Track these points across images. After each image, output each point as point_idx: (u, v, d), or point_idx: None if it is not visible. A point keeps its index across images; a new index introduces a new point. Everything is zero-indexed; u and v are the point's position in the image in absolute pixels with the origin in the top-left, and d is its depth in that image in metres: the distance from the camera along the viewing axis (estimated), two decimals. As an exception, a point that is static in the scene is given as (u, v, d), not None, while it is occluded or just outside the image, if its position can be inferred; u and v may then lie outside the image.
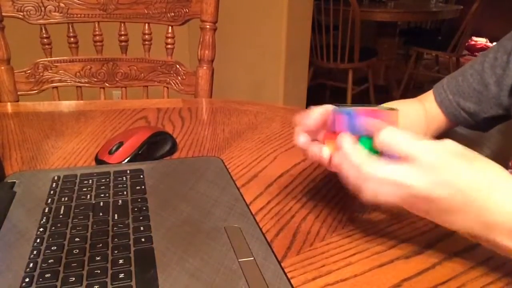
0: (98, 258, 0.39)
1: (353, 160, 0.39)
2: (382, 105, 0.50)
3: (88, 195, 0.49)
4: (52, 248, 0.40)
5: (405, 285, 0.39)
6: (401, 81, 3.61)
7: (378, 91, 3.46)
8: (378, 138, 0.39)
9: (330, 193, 0.54)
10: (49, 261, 0.38)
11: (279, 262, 0.40)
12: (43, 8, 0.93)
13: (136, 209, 0.47)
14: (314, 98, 2.86)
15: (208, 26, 0.98)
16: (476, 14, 3.06)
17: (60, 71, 0.98)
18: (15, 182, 0.52)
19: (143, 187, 0.52)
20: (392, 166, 0.37)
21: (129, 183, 0.52)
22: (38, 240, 0.41)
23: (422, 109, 0.70)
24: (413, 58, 3.59)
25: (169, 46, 1.02)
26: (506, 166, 0.65)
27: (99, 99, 1.01)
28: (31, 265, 0.38)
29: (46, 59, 0.97)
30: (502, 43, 0.63)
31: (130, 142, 0.60)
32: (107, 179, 0.53)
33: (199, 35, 0.99)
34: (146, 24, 1.01)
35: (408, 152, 0.36)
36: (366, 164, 0.38)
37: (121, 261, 0.38)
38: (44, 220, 0.44)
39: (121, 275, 0.37)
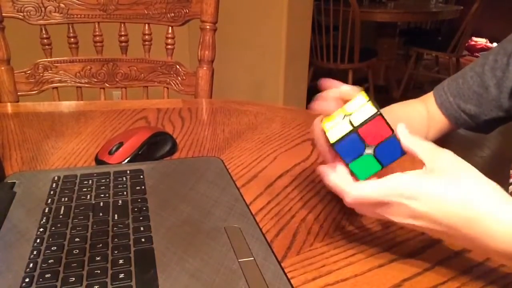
0: (98, 258, 0.39)
1: (337, 187, 0.40)
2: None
3: (88, 195, 0.49)
4: (52, 248, 0.40)
5: (405, 285, 0.39)
6: (401, 81, 3.61)
7: (378, 92, 3.46)
8: (348, 202, 0.39)
9: (330, 194, 0.54)
10: (49, 261, 0.38)
11: (279, 262, 0.40)
12: (43, 9, 0.93)
13: (136, 209, 0.47)
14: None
15: (208, 27, 0.98)
16: (476, 15, 3.06)
17: (60, 72, 0.98)
18: (15, 182, 0.52)
19: (143, 187, 0.52)
20: (376, 206, 0.38)
21: (129, 183, 0.52)
22: (38, 240, 0.41)
23: (425, 110, 0.70)
24: (413, 58, 3.59)
25: (169, 46, 1.02)
26: (506, 167, 0.65)
27: (99, 99, 1.01)
28: (31, 265, 0.38)
29: (46, 59, 0.97)
30: (503, 45, 0.63)
31: (130, 142, 0.60)
32: (107, 180, 0.53)
33: (199, 35, 0.99)
34: (146, 25, 1.01)
35: (378, 200, 0.37)
36: (347, 193, 0.39)
37: (121, 261, 0.38)
38: (44, 220, 0.44)
39: (121, 275, 0.37)
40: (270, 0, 2.20)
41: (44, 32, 0.96)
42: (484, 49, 4.95)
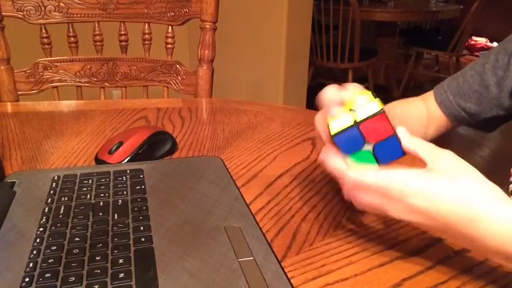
0: (98, 258, 0.39)
1: (335, 171, 0.40)
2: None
3: (88, 195, 0.49)
4: (52, 247, 0.40)
5: (405, 285, 0.39)
6: (401, 80, 3.61)
7: (378, 91, 3.45)
8: (350, 182, 0.39)
9: (330, 193, 0.54)
10: (49, 261, 0.38)
11: (279, 262, 0.40)
12: (43, 8, 0.93)
13: (136, 209, 0.47)
14: (314, 98, 2.86)
15: (208, 26, 0.98)
16: (476, 14, 3.06)
17: (60, 71, 0.98)
18: (15, 181, 0.52)
19: (143, 186, 0.52)
20: (375, 194, 0.38)
21: (129, 183, 0.52)
22: (38, 240, 0.41)
23: (425, 109, 0.70)
24: (413, 57, 3.59)
25: (169, 46, 1.02)
26: (506, 166, 0.65)
27: (99, 98, 1.01)
28: (31, 264, 0.38)
29: (46, 58, 0.97)
30: (504, 44, 0.63)
31: (130, 142, 0.60)
32: (107, 179, 0.53)
33: (199, 35, 0.99)
34: (146, 24, 1.01)
35: (379, 187, 0.37)
36: (348, 173, 0.39)
37: (121, 261, 0.38)
38: (44, 220, 0.44)
39: (121, 275, 0.37)
40: (270, 0, 2.20)
41: (44, 31, 0.96)
42: (484, 48, 4.95)
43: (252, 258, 0.40)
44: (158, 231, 0.43)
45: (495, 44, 3.03)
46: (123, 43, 1.01)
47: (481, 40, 5.16)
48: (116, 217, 0.45)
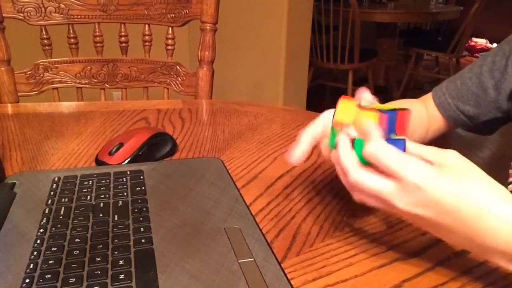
0: (98, 259, 0.39)
1: (342, 164, 0.39)
2: (390, 103, 0.49)
3: (88, 196, 0.49)
4: (53, 249, 0.40)
5: (405, 286, 0.39)
6: (401, 81, 3.61)
7: (378, 92, 3.45)
8: (367, 149, 0.38)
9: (330, 194, 0.54)
10: (49, 262, 0.38)
11: (279, 263, 0.40)
12: (43, 9, 0.93)
13: (136, 210, 0.47)
14: (314, 98, 2.87)
15: (208, 27, 0.98)
16: (476, 15, 3.06)
17: (61, 72, 0.98)
18: (15, 183, 0.52)
19: (143, 188, 0.52)
20: (378, 180, 0.37)
21: (129, 184, 0.52)
22: (38, 241, 0.41)
23: (425, 110, 0.70)
24: (413, 59, 3.59)
25: (169, 47, 1.02)
26: (505, 167, 0.65)
27: (99, 100, 1.01)
28: (31, 266, 0.38)
29: (46, 60, 0.97)
30: (502, 46, 0.63)
31: (130, 143, 0.60)
32: (107, 180, 0.53)
33: (199, 36, 0.99)
34: (146, 25, 1.01)
35: (394, 170, 0.36)
36: (353, 172, 0.38)
37: (121, 262, 0.38)
38: (44, 221, 0.44)
39: (121, 276, 0.37)
40: (270, 0, 2.20)
41: (44, 32, 0.96)
42: (484, 49, 4.96)
43: (252, 259, 0.40)
44: (158, 232, 0.43)
45: (495, 45, 3.03)
46: (123, 44, 1.01)
47: (481, 41, 5.17)
48: (116, 218, 0.45)
